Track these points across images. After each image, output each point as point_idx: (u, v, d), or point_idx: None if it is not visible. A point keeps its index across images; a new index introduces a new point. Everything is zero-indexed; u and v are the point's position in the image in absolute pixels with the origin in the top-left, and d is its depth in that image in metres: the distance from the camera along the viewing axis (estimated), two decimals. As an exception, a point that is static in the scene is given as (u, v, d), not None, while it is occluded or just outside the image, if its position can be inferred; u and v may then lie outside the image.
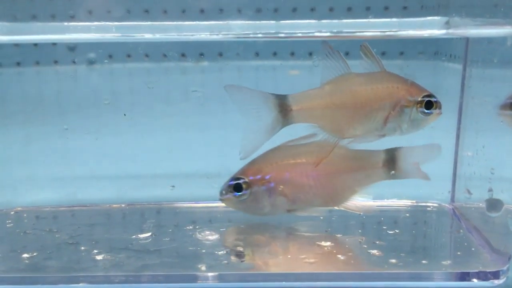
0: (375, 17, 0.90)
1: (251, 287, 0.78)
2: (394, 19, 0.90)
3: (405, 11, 0.95)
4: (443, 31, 0.86)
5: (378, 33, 0.84)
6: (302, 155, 0.85)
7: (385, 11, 0.95)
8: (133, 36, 0.88)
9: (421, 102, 0.82)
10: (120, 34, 0.85)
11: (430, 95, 0.82)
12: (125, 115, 1.03)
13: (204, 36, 0.80)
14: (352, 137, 0.85)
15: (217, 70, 1.02)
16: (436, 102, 0.82)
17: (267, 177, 0.84)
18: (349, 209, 0.87)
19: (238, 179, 0.85)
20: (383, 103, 0.82)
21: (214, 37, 0.80)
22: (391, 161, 0.85)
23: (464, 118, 0.99)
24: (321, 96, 0.84)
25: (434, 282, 0.78)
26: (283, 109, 0.83)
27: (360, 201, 0.86)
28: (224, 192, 0.87)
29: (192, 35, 0.81)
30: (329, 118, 0.84)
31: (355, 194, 0.86)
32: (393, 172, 0.85)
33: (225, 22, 0.86)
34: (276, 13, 0.92)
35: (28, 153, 1.05)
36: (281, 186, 0.84)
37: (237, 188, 0.85)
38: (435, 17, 0.91)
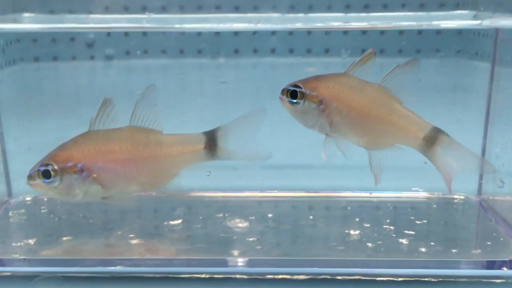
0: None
1: (282, 272, 0.80)
2: (421, 13, 0.92)
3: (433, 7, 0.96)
4: (477, 22, 0.87)
5: (413, 24, 0.86)
6: (116, 141, 0.81)
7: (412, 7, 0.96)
8: (165, 26, 0.90)
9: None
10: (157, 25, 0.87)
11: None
12: (155, 105, 1.05)
13: (241, 26, 0.82)
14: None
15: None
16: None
17: (79, 165, 0.79)
18: (167, 193, 0.85)
19: (47, 165, 0.79)
20: None
21: (252, 26, 0.81)
22: (211, 142, 0.83)
23: (493, 112, 0.99)
24: None
25: (465, 270, 0.79)
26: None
27: (178, 184, 0.85)
28: (32, 177, 0.80)
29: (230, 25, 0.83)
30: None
31: (174, 177, 0.84)
32: (215, 153, 0.84)
33: (258, 14, 0.88)
34: (310, 9, 0.94)
35: (60, 143, 1.07)
36: (94, 174, 0.80)
37: (46, 174, 0.79)
38: (463, 11, 0.92)
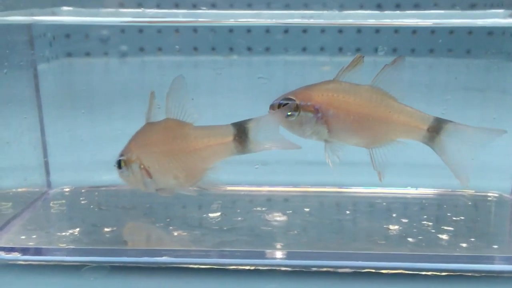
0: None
1: (326, 265, 0.82)
2: (457, 11, 0.93)
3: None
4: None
5: (447, 21, 0.87)
6: (159, 133, 0.85)
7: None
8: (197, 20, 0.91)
9: None
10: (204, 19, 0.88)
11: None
12: (192, 99, 1.06)
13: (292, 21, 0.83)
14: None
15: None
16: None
17: (134, 157, 0.85)
18: (202, 187, 0.86)
19: (122, 155, 0.86)
20: None
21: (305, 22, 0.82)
22: (241, 134, 0.82)
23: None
24: None
25: (507, 265, 0.80)
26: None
27: (212, 178, 0.85)
28: (115, 166, 0.87)
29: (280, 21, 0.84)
30: None
31: (207, 171, 0.85)
32: (245, 145, 0.83)
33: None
34: (342, 8, 0.95)
35: (96, 137, 1.09)
36: (143, 167, 0.85)
37: (119, 164, 0.86)
38: (499, 10, 0.93)
